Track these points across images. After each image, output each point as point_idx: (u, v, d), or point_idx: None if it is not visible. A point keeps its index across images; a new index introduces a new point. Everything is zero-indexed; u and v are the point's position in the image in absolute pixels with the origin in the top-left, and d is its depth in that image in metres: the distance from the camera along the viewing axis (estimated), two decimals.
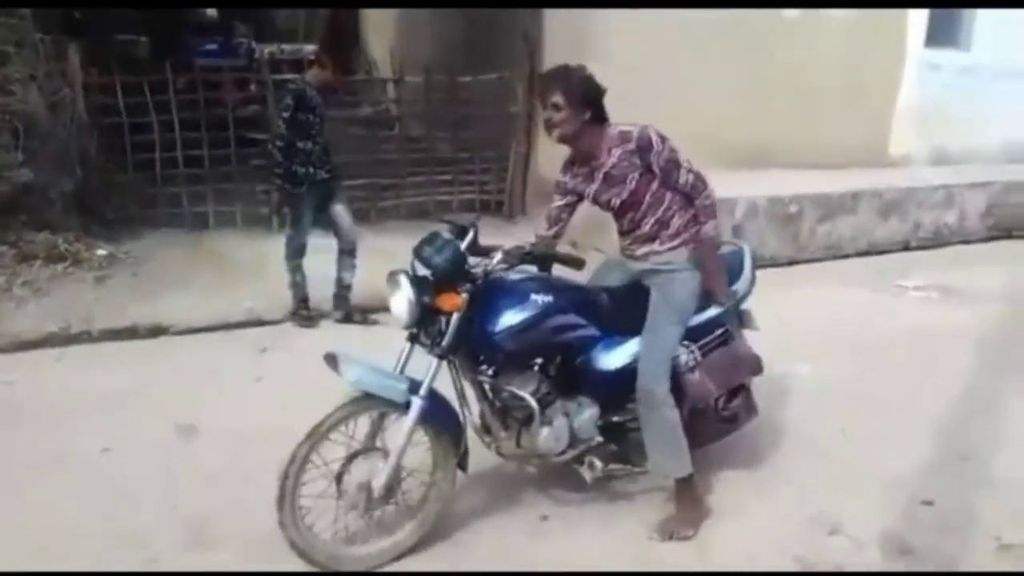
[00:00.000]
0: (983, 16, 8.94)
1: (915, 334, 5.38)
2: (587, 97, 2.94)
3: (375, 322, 5.28)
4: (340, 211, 5.21)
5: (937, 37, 8.76)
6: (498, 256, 2.89)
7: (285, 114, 4.84)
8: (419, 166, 7.77)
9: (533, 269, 3.03)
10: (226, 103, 7.23)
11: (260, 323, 5.28)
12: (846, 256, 7.44)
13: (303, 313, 5.29)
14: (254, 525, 3.10)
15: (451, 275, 2.81)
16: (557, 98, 2.93)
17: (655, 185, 3.01)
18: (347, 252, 5.28)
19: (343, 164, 7.03)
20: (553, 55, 7.17)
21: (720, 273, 3.16)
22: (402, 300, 2.81)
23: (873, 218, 7.61)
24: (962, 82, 8.81)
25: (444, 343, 2.81)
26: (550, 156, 7.46)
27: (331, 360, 2.76)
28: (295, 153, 4.89)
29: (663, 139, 2.97)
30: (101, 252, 6.05)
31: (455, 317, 2.80)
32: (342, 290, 5.35)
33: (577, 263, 3.00)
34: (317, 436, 2.76)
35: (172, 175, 6.96)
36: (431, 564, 2.95)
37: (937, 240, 8.03)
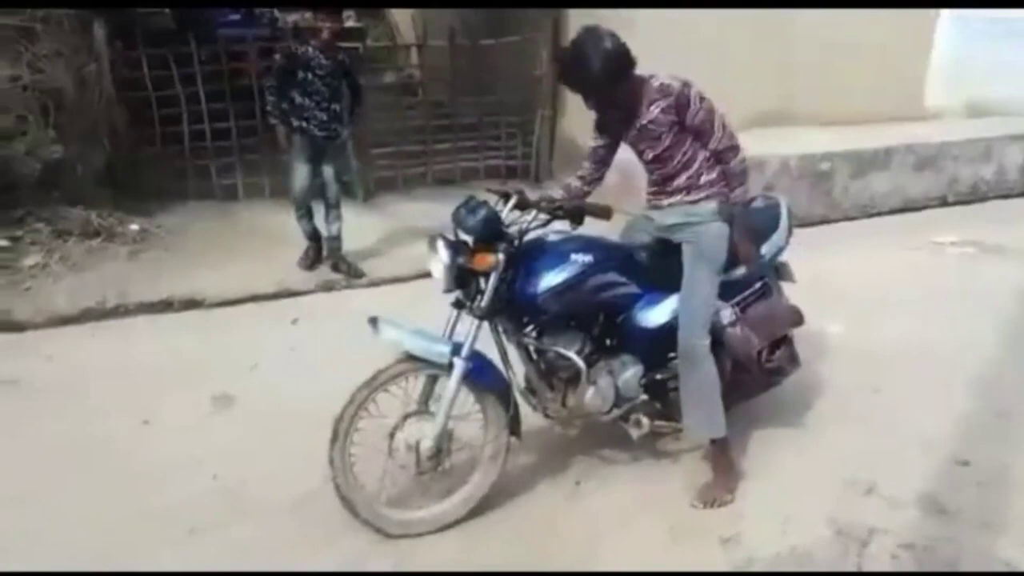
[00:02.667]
0: None
1: (952, 291, 5.29)
2: (614, 77, 2.86)
3: (361, 274, 5.58)
4: (327, 169, 5.45)
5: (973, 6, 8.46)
6: (534, 215, 2.92)
7: (277, 65, 5.28)
8: (444, 132, 7.72)
9: (566, 227, 3.01)
10: (251, 73, 7.21)
11: (291, 294, 5.32)
12: (880, 214, 7.30)
13: (307, 255, 5.60)
14: (291, 495, 3.18)
15: (486, 235, 2.84)
16: (588, 100, 2.94)
17: (688, 143, 3.00)
18: (331, 205, 5.52)
19: (371, 132, 7.12)
20: (577, 15, 7.09)
21: (748, 239, 3.12)
22: (439, 264, 2.84)
23: (907, 174, 7.45)
24: (997, 32, 8.53)
25: (483, 303, 2.85)
26: (576, 119, 7.43)
27: (373, 323, 2.82)
28: (292, 107, 5.20)
29: (701, 99, 2.93)
30: (134, 227, 6.10)
31: (492, 277, 2.83)
32: (331, 241, 5.60)
33: (606, 212, 2.99)
34: (374, 386, 2.83)
35: (200, 147, 6.98)
36: (464, 531, 2.99)
37: (974, 195, 7.84)
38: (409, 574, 2.84)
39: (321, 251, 5.66)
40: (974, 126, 8.26)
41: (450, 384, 2.83)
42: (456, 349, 2.82)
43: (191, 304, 5.11)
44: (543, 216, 2.95)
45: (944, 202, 7.67)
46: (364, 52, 7.70)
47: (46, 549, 2.89)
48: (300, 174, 5.36)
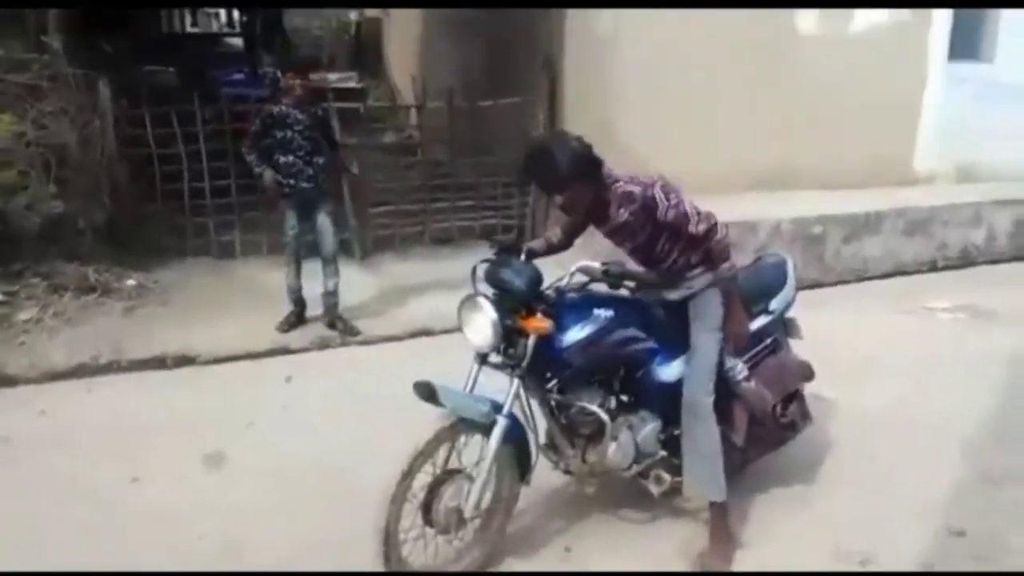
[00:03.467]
0: (1005, 28, 8.80)
1: (944, 356, 5.31)
2: (578, 177, 2.87)
3: (356, 332, 5.56)
4: (322, 220, 5.49)
5: (960, 50, 8.64)
6: (571, 274, 3.00)
7: (253, 129, 5.40)
8: (442, 192, 7.81)
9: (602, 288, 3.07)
10: None
11: (286, 351, 5.33)
12: (872, 278, 7.35)
13: (287, 320, 5.58)
14: (279, 557, 3.14)
15: (531, 296, 2.87)
16: (556, 196, 2.95)
17: (664, 237, 3.04)
18: (327, 260, 5.53)
19: (370, 191, 7.21)
20: (574, 79, 7.26)
21: (738, 313, 3.16)
22: (485, 323, 2.85)
23: (898, 238, 7.52)
24: (987, 95, 8.68)
25: (524, 363, 2.86)
26: None
27: (422, 387, 2.78)
28: (277, 167, 5.32)
29: (668, 193, 2.93)
30: (130, 282, 6.13)
31: (533, 338, 2.84)
32: (327, 297, 5.58)
33: (650, 281, 3.05)
34: (427, 454, 2.80)
35: (200, 205, 7.05)
36: None
37: (964, 260, 7.90)
38: (408, 574, 2.81)
39: (303, 315, 5.65)
40: (964, 191, 8.35)
41: (491, 443, 2.83)
42: (496, 407, 2.84)
43: (185, 361, 5.11)
44: (580, 277, 3.02)
45: (934, 267, 7.72)
46: (364, 112, 7.84)
47: None
48: (290, 224, 5.43)
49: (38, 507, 3.47)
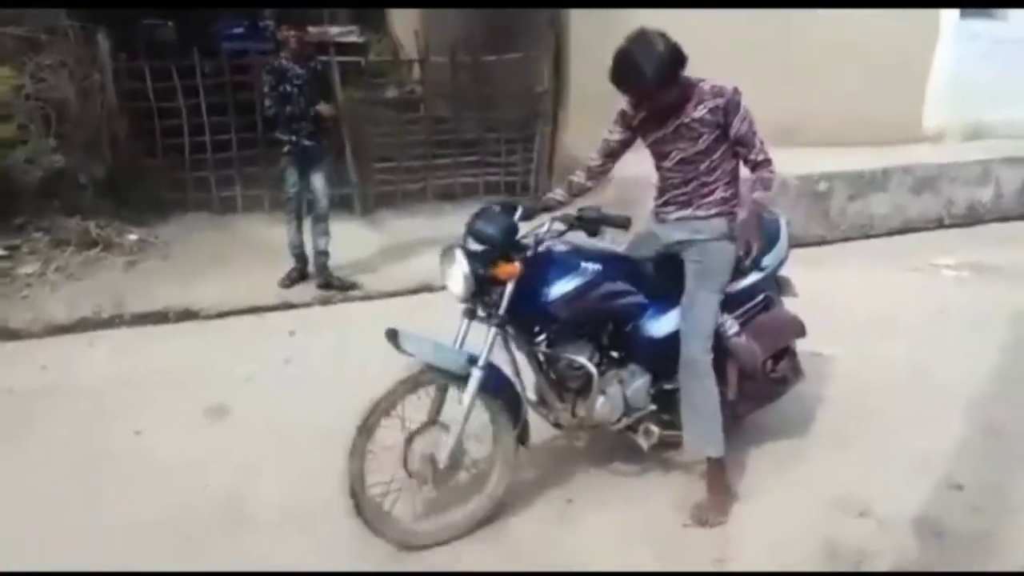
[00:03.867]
0: None
1: (948, 313, 5.29)
2: (667, 79, 2.87)
3: (353, 286, 5.57)
4: (317, 178, 5.45)
5: (972, 6, 8.50)
6: (548, 223, 2.96)
7: (265, 89, 5.30)
8: (445, 148, 7.74)
9: (581, 237, 3.04)
10: (252, 86, 7.25)
11: (288, 306, 5.32)
12: (878, 235, 7.31)
13: (289, 276, 5.54)
14: (285, 505, 3.17)
15: (505, 245, 2.86)
16: (647, 101, 2.95)
17: (719, 152, 3.03)
18: (319, 218, 5.48)
19: (372, 146, 7.15)
20: (579, 33, 7.14)
21: (758, 238, 3.12)
22: (457, 273, 2.86)
23: (905, 195, 7.46)
24: (998, 53, 8.55)
25: (500, 312, 2.86)
26: (577, 136, 7.45)
27: (392, 335, 2.78)
28: (280, 120, 5.27)
29: (748, 110, 2.98)
30: (132, 237, 6.13)
31: (509, 286, 2.84)
32: (319, 256, 5.55)
33: (625, 223, 3.01)
34: (393, 398, 2.81)
35: (200, 159, 7.02)
36: (452, 551, 2.97)
37: (971, 217, 7.84)
38: (409, 574, 2.82)
39: (304, 271, 5.62)
40: (972, 149, 8.27)
41: (467, 394, 2.83)
42: (472, 359, 2.84)
43: (187, 315, 5.11)
44: (560, 226, 2.98)
45: (941, 224, 7.67)
46: (366, 66, 7.73)
47: (37, 558, 2.87)
48: (290, 182, 5.41)
49: (42, 460, 3.50)
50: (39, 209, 5.97)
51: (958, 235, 7.45)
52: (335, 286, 5.54)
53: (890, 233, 7.36)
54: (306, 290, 5.48)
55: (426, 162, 7.65)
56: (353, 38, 11.64)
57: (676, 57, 2.87)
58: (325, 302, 5.40)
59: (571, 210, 3.04)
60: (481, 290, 2.89)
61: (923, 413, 3.96)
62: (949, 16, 8.29)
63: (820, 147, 7.52)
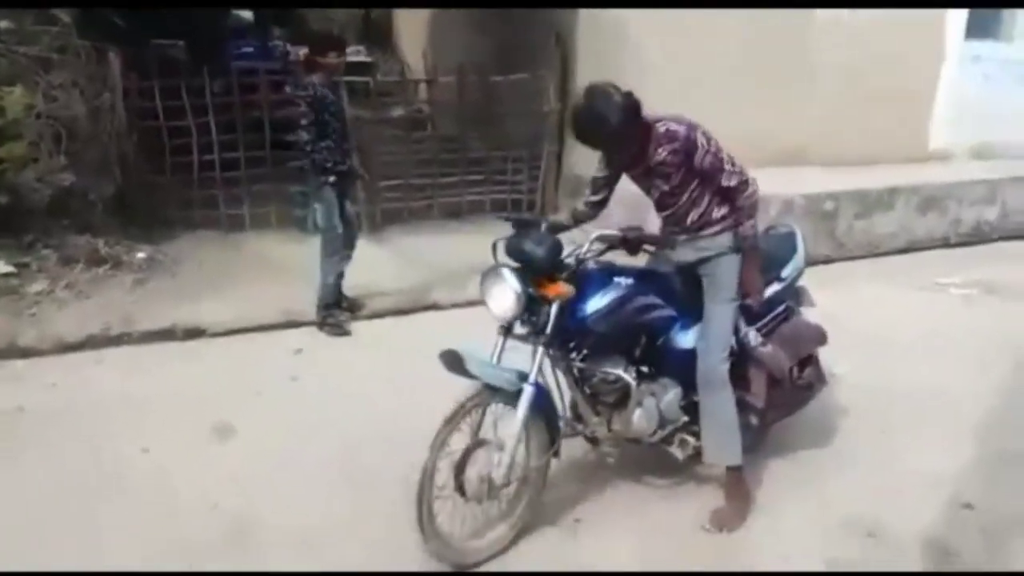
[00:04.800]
0: None
1: (956, 333, 5.28)
2: (627, 129, 2.90)
3: (362, 306, 5.52)
4: (349, 208, 5.40)
5: (978, 29, 8.55)
6: (591, 242, 3.01)
7: (304, 121, 4.95)
8: (452, 166, 7.78)
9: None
10: (261, 105, 7.30)
11: (295, 324, 5.31)
12: (885, 254, 7.31)
13: (331, 321, 5.27)
14: (293, 525, 3.16)
15: (552, 265, 2.90)
16: (606, 151, 3.03)
17: (695, 183, 3.05)
18: (351, 245, 5.39)
19: (379, 164, 7.18)
20: (586, 55, 7.18)
21: (756, 272, 3.19)
22: (507, 293, 2.88)
23: (912, 214, 7.47)
24: (1004, 75, 8.60)
25: (548, 330, 2.89)
26: (583, 155, 7.48)
27: (449, 356, 2.78)
28: (320, 151, 5.01)
29: (708, 140, 2.98)
30: (140, 255, 6.14)
31: (556, 305, 2.88)
32: (337, 278, 5.36)
33: (670, 243, 3.09)
34: (457, 420, 2.82)
35: (209, 177, 7.05)
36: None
37: (978, 237, 7.85)
38: (411, 574, 2.81)
39: (342, 305, 5.42)
40: (978, 168, 8.29)
41: (520, 411, 2.85)
42: (521, 376, 2.86)
43: (194, 333, 5.12)
44: (599, 245, 3.03)
45: (947, 243, 7.68)
46: (374, 86, 7.78)
47: None
48: (336, 215, 5.15)
49: (51, 478, 3.49)
50: (48, 227, 6.00)
51: (964, 254, 7.46)
52: (344, 307, 5.44)
53: (896, 252, 7.37)
54: (312, 308, 5.46)
55: (433, 180, 7.68)
56: (361, 57, 11.72)
57: (633, 106, 2.89)
58: (320, 326, 5.33)
59: (612, 231, 3.05)
60: (532, 310, 2.92)
61: (932, 433, 3.95)
62: (954, 37, 8.34)
63: (827, 167, 7.55)
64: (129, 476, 3.53)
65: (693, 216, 3.12)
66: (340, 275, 5.43)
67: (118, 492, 3.41)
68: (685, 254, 3.22)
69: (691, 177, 3.04)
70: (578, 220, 3.30)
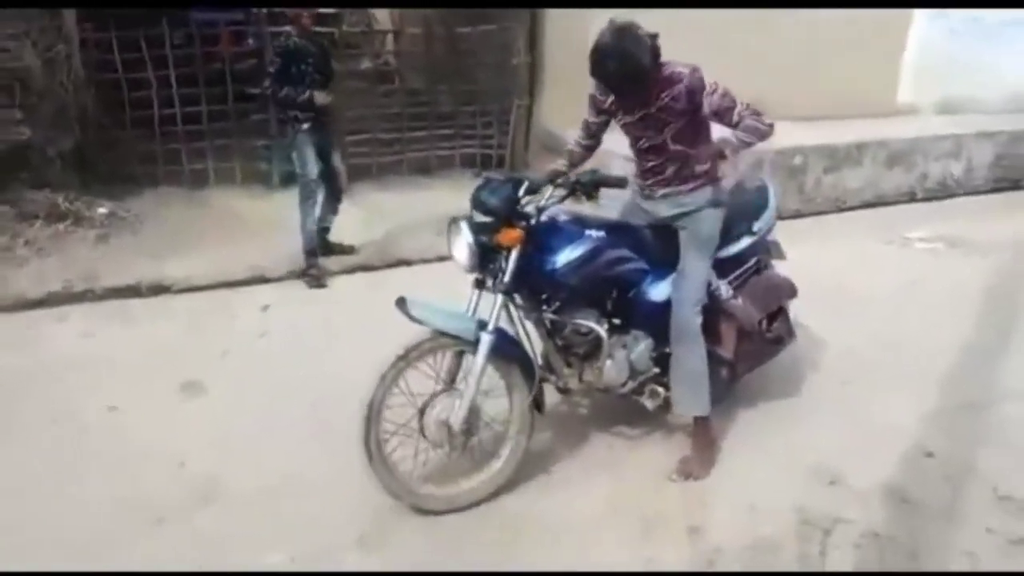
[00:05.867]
0: None
1: (920, 286, 5.36)
2: (650, 74, 2.88)
3: (353, 250, 5.61)
4: (336, 158, 5.41)
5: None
6: (548, 190, 3.01)
7: (270, 69, 5.04)
8: (420, 120, 7.67)
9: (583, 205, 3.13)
10: (223, 57, 7.12)
11: (263, 280, 5.26)
12: (852, 208, 7.37)
13: (313, 272, 5.27)
14: (261, 482, 3.15)
15: (507, 213, 2.91)
16: (621, 92, 2.98)
17: (687, 137, 3.04)
18: (336, 198, 5.45)
19: (346, 119, 7.06)
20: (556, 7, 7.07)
21: (733, 167, 3.11)
22: (462, 243, 2.91)
23: (879, 169, 7.52)
24: (970, 30, 8.62)
25: (506, 279, 2.92)
26: (553, 109, 7.41)
27: (400, 303, 2.83)
28: (294, 103, 5.03)
29: (716, 82, 2.97)
30: (102, 210, 6.01)
31: (514, 253, 2.90)
32: (322, 232, 5.43)
33: (621, 182, 3.06)
34: (404, 363, 2.86)
35: (171, 132, 6.88)
36: (436, 524, 2.98)
37: (943, 191, 7.94)
38: (405, 574, 2.81)
39: (317, 256, 5.36)
40: (945, 123, 8.35)
41: (478, 358, 2.88)
42: (482, 325, 2.89)
43: (159, 289, 5.04)
44: (559, 192, 3.03)
45: (913, 198, 7.76)
46: (340, 37, 7.60)
47: (15, 539, 2.83)
48: (311, 163, 5.15)
49: (13, 437, 3.45)
50: (5, 182, 5.85)
51: (930, 208, 7.54)
52: (336, 252, 5.54)
53: (864, 206, 7.44)
54: (280, 264, 5.40)
55: (401, 135, 7.57)
56: (325, 8, 11.45)
57: (656, 48, 2.88)
58: (300, 275, 5.32)
59: (566, 175, 3.11)
60: (487, 260, 2.95)
61: (896, 384, 4.02)
62: None
63: (796, 120, 7.53)
64: (95, 434, 3.50)
65: (673, 168, 3.12)
66: (325, 228, 5.46)
67: (83, 450, 3.37)
68: (662, 208, 3.23)
69: (686, 129, 3.02)
70: (574, 164, 3.30)
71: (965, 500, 3.17)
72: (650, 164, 3.19)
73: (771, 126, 2.99)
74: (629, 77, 2.87)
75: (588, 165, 3.27)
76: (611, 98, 3.10)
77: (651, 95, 2.97)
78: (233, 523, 2.95)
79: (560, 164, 3.28)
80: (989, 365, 4.29)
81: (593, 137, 3.28)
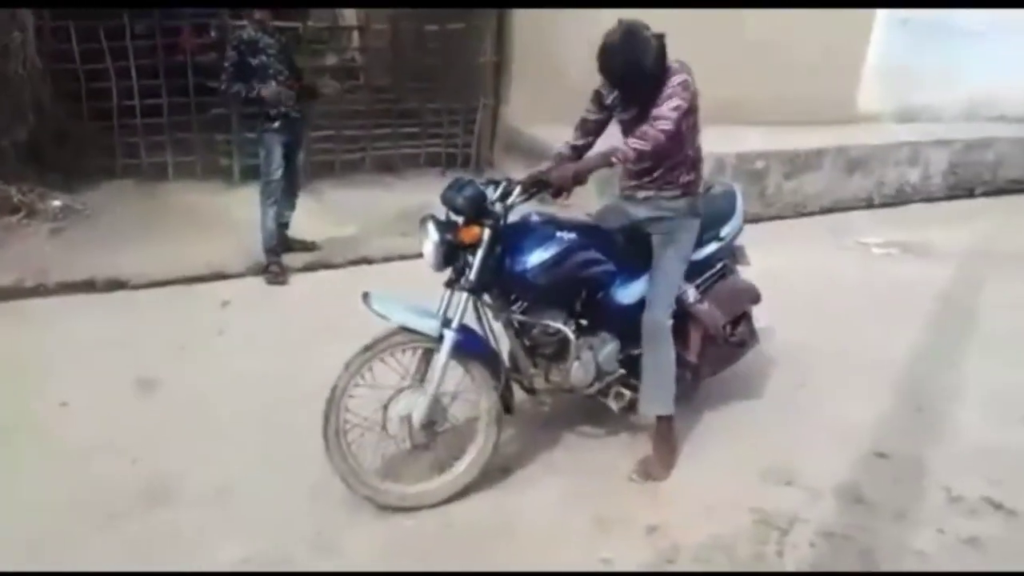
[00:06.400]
0: None
1: (876, 290, 5.46)
2: (657, 76, 2.92)
3: (315, 246, 5.57)
4: (300, 154, 5.39)
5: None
6: (516, 189, 3.02)
7: (226, 63, 4.97)
8: (385, 118, 7.61)
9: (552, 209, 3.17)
10: (185, 50, 7.01)
11: (222, 276, 5.18)
12: (811, 213, 7.49)
13: (273, 269, 5.21)
14: (215, 480, 3.11)
15: (473, 212, 2.93)
16: (628, 91, 3.03)
17: (682, 139, 3.07)
18: (293, 193, 5.41)
19: (318, 115, 6.97)
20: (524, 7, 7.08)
21: (567, 185, 3.03)
22: (429, 242, 2.93)
23: (838, 175, 7.65)
24: (932, 38, 8.77)
25: (471, 276, 2.93)
26: (519, 108, 7.41)
27: (365, 297, 2.87)
28: (244, 99, 5.00)
29: (685, 93, 2.98)
30: (56, 203, 5.89)
31: (480, 251, 2.92)
32: (281, 228, 5.36)
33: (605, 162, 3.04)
34: (367, 357, 2.88)
35: (129, 124, 6.76)
36: (394, 523, 2.96)
37: (900, 198, 8.09)
38: (399, 574, 2.79)
39: (279, 255, 5.31)
40: (903, 131, 8.52)
41: (440, 355, 2.90)
42: (446, 322, 2.90)
43: (115, 285, 4.94)
44: (522, 191, 3.03)
45: (871, 204, 7.90)
46: (304, 32, 7.54)
47: None
48: (277, 162, 5.08)
49: None
50: None
51: (886, 215, 7.70)
52: (297, 249, 5.50)
53: (822, 212, 7.55)
54: (240, 260, 5.33)
55: (366, 132, 7.51)
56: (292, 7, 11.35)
57: (664, 49, 2.93)
58: (259, 272, 5.23)
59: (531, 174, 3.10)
60: (453, 258, 2.96)
61: (850, 386, 4.09)
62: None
63: (757, 125, 7.63)
64: (46, 431, 3.42)
65: (662, 169, 3.15)
66: (284, 224, 5.41)
67: (34, 447, 3.30)
68: (642, 211, 3.26)
69: (685, 129, 3.05)
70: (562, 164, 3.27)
71: (918, 500, 3.23)
72: (639, 165, 3.18)
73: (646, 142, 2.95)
74: (635, 75, 2.92)
75: None
76: (615, 94, 3.13)
77: (662, 97, 2.97)
78: (186, 521, 2.91)
79: (545, 167, 3.26)
80: (942, 368, 4.38)
81: (587, 136, 3.28)
